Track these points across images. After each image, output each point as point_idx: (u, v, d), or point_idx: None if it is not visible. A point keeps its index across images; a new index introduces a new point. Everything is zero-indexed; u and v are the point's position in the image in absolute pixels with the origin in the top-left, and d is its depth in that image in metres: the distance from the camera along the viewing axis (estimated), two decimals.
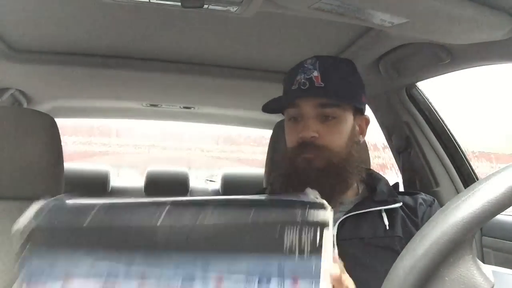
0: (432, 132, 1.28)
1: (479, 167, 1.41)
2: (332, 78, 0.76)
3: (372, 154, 1.16)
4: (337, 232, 0.72)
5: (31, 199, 0.91)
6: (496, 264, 1.06)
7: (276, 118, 1.18)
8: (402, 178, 1.36)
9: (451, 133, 1.29)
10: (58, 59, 1.22)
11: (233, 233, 0.43)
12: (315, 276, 0.42)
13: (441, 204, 0.84)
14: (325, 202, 0.46)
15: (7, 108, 1.10)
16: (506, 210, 0.34)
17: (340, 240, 0.71)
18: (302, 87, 0.76)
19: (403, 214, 0.77)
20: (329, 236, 0.43)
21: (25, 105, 1.52)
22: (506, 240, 1.12)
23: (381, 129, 1.42)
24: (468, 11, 0.69)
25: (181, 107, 1.81)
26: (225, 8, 0.76)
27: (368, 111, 1.38)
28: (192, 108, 1.82)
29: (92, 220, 0.42)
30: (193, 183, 2.35)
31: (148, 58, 1.28)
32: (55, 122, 0.92)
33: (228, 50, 1.21)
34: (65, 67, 1.25)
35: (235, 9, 0.76)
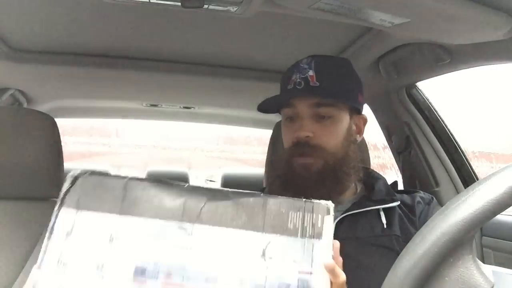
0: (432, 132, 1.28)
1: (479, 167, 1.42)
2: (328, 78, 0.76)
3: (372, 154, 1.16)
4: (334, 231, 0.72)
5: (31, 199, 0.91)
6: (496, 264, 1.06)
7: (276, 118, 1.18)
8: (402, 178, 1.36)
9: (451, 133, 1.29)
10: (58, 59, 1.22)
11: (243, 212, 0.47)
12: (315, 257, 0.45)
13: (441, 204, 0.84)
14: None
15: (7, 108, 1.10)
16: (506, 210, 0.34)
17: (338, 239, 0.71)
18: (297, 86, 0.76)
19: (401, 213, 0.76)
20: (330, 222, 0.47)
21: (25, 105, 1.52)
22: (506, 240, 1.12)
23: (381, 129, 1.42)
24: (468, 11, 0.69)
25: (181, 107, 1.81)
26: (225, 8, 0.76)
27: (368, 111, 1.38)
28: (192, 108, 1.82)
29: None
30: (193, 183, 2.35)
31: (148, 58, 1.28)
32: (55, 122, 0.93)
33: (228, 50, 1.21)
34: (65, 67, 1.25)
35: (235, 9, 0.76)
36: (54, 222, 0.45)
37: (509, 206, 0.34)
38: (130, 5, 0.81)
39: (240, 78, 1.36)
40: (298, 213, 0.47)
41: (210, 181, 2.59)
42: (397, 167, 1.40)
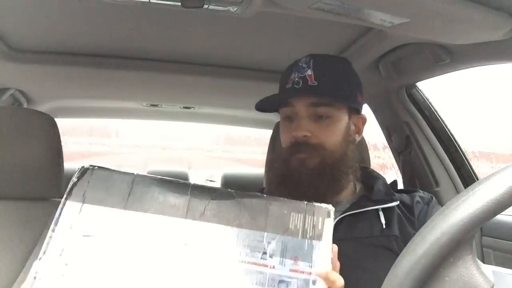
0: (432, 132, 1.28)
1: (479, 167, 1.41)
2: (326, 77, 0.75)
3: (372, 154, 1.16)
4: (333, 231, 0.72)
5: (31, 199, 0.91)
6: (496, 264, 1.06)
7: (276, 118, 1.18)
8: (402, 178, 1.36)
9: (451, 133, 1.29)
10: (58, 59, 1.22)
11: (245, 211, 0.48)
12: (314, 258, 0.46)
13: (441, 204, 0.84)
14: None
15: (7, 108, 1.10)
16: (506, 210, 0.34)
17: (337, 240, 0.71)
18: (295, 86, 0.76)
19: (400, 213, 0.76)
20: (330, 224, 0.48)
21: (25, 105, 1.52)
22: (506, 240, 1.12)
23: (381, 129, 1.42)
24: (468, 11, 0.69)
25: (181, 107, 1.81)
26: (225, 8, 0.76)
27: (368, 111, 1.38)
28: (192, 108, 1.82)
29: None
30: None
31: (148, 58, 1.28)
32: (55, 122, 0.92)
33: (228, 50, 1.21)
34: (65, 67, 1.25)
35: (235, 9, 0.76)
36: (60, 213, 0.46)
37: (509, 206, 0.34)
38: (130, 5, 0.81)
39: (240, 78, 1.36)
40: (299, 214, 0.48)
41: (210, 181, 2.59)
42: (397, 167, 1.40)
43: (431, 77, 1.15)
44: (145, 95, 1.66)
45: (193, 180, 2.38)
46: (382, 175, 0.85)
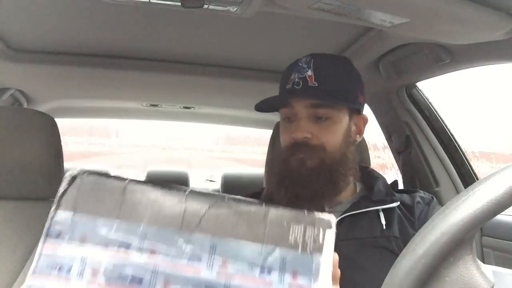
0: (432, 132, 1.28)
1: (479, 167, 1.41)
2: (326, 78, 0.74)
3: (372, 154, 1.16)
4: None
5: (31, 199, 0.91)
6: (496, 264, 1.06)
7: (276, 118, 1.18)
8: (402, 178, 1.36)
9: (451, 133, 1.29)
10: (58, 59, 1.22)
11: (243, 221, 0.46)
12: (315, 273, 0.44)
13: (441, 204, 0.84)
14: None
15: (7, 108, 1.10)
16: (506, 210, 0.34)
17: (337, 241, 0.71)
18: (295, 86, 0.75)
19: (400, 213, 0.76)
20: (331, 236, 0.46)
21: (25, 105, 1.52)
22: (506, 240, 1.12)
23: (381, 129, 1.42)
24: (468, 11, 0.69)
25: (181, 107, 1.81)
26: (225, 8, 0.76)
27: (368, 111, 1.38)
28: (192, 108, 1.82)
29: (119, 191, 0.46)
30: (193, 183, 2.35)
31: (148, 58, 1.28)
32: (55, 122, 0.92)
33: (228, 50, 1.21)
34: (65, 67, 1.25)
35: (235, 9, 0.76)
36: (50, 224, 0.44)
37: (509, 206, 0.34)
38: (130, 5, 0.81)
39: (240, 78, 1.36)
40: (299, 226, 0.46)
41: (210, 181, 2.58)
42: (397, 167, 1.40)
43: (431, 77, 1.15)
44: (145, 95, 1.66)
45: (193, 180, 2.38)
46: (381, 174, 0.85)
